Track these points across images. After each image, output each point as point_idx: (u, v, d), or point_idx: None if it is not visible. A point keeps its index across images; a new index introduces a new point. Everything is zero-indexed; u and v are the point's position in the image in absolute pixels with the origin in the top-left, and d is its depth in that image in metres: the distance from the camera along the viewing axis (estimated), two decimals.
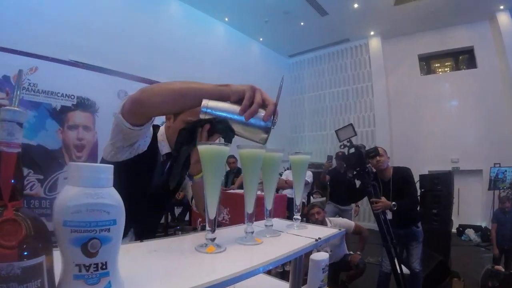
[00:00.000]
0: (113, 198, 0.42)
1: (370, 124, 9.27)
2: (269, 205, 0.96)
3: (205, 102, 0.83)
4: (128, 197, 0.60)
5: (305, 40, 9.81)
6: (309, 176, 5.37)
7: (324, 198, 7.70)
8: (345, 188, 4.45)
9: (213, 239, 0.72)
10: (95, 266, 0.40)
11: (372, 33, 9.21)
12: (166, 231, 5.40)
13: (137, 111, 0.93)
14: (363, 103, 9.50)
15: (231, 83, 0.88)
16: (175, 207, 6.26)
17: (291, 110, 11.34)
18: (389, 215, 3.02)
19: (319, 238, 0.86)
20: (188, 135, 0.86)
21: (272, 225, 0.93)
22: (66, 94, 4.68)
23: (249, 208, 0.83)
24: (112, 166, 0.44)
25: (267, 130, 0.83)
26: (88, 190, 0.40)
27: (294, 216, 1.03)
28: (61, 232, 0.39)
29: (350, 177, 3.10)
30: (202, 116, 0.83)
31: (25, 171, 4.29)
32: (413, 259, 3.15)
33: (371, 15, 8.11)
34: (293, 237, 0.90)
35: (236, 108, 0.82)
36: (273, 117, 0.82)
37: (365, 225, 7.05)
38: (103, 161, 1.09)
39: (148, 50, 7.06)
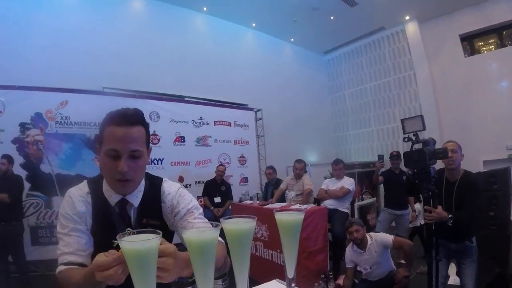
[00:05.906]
0: None
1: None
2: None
3: None
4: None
5: (338, 34, 9.39)
6: (350, 183, 4.79)
7: (374, 199, 7.36)
8: (401, 189, 4.06)
9: None
10: None
11: (407, 17, 8.50)
12: None
13: None
14: (407, 94, 8.82)
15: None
16: None
17: (332, 109, 10.93)
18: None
19: None
20: None
21: None
22: (98, 123, 4.88)
23: None
24: None
25: None
26: None
27: None
28: None
29: (409, 174, 2.75)
30: None
31: None
32: (467, 280, 2.70)
33: None
34: None
35: None
36: None
37: None
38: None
39: (179, 68, 7.16)
